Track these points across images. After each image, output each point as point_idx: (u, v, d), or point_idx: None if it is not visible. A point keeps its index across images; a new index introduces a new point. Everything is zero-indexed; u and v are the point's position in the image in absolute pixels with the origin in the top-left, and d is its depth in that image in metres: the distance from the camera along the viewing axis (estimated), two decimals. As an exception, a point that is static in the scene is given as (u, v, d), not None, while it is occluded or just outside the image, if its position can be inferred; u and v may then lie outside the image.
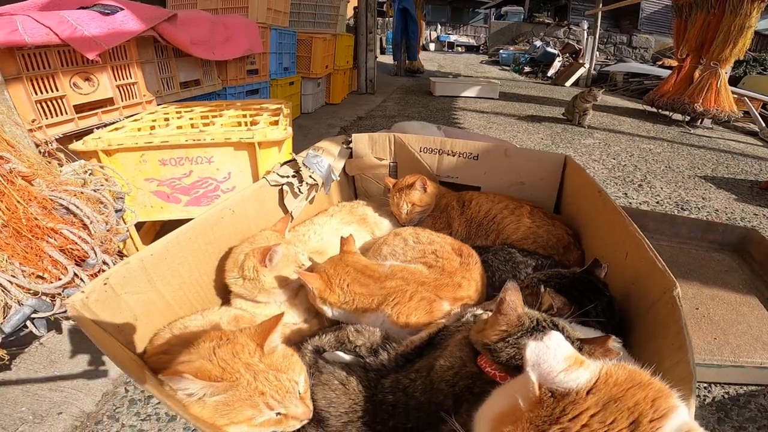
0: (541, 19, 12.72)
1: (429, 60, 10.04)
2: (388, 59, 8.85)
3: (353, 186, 1.83)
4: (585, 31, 9.82)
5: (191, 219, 1.04)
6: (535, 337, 0.53)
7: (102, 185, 1.01)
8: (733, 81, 5.77)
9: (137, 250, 1.35)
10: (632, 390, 0.50)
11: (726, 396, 1.18)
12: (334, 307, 1.00)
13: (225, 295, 1.14)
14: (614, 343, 0.68)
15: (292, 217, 1.34)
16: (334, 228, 1.40)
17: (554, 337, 0.50)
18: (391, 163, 1.77)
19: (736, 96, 4.40)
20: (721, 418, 1.12)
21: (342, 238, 1.09)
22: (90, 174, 1.02)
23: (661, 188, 2.66)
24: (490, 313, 0.75)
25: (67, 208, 0.83)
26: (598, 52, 8.26)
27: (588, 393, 0.49)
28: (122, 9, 1.71)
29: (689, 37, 4.44)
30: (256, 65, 3.09)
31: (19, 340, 0.87)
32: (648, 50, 10.97)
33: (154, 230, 1.70)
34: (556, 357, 0.49)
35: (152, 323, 0.95)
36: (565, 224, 1.38)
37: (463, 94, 5.60)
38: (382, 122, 4.04)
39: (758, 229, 2.02)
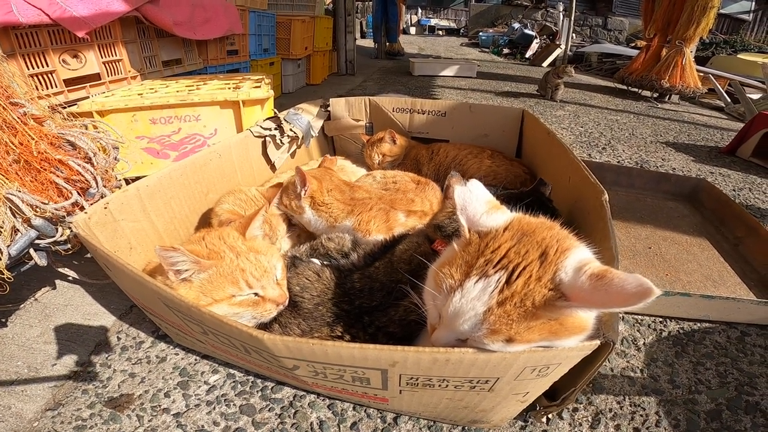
0: (519, 2, 12.80)
1: (409, 43, 10.07)
2: (368, 43, 8.86)
3: (332, 146, 1.96)
4: (561, 14, 9.96)
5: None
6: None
7: (100, 135, 1.11)
8: (703, 61, 6.00)
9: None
10: (540, 229, 0.59)
11: (681, 331, 1.22)
12: (317, 208, 1.13)
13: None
14: None
15: (275, 168, 1.47)
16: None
17: (475, 183, 0.62)
18: (367, 124, 1.89)
19: (701, 74, 4.62)
20: (678, 352, 1.14)
21: (326, 157, 1.23)
22: (87, 128, 1.12)
23: (623, 151, 2.83)
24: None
25: (72, 144, 0.94)
26: (574, 34, 8.43)
27: (505, 230, 0.59)
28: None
29: (656, 17, 4.63)
30: (236, 46, 3.16)
31: (16, 296, 0.87)
32: (622, 32, 11.21)
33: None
34: (478, 200, 0.60)
35: (146, 254, 1.04)
36: (523, 164, 1.53)
37: (442, 73, 5.70)
38: (362, 101, 4.12)
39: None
